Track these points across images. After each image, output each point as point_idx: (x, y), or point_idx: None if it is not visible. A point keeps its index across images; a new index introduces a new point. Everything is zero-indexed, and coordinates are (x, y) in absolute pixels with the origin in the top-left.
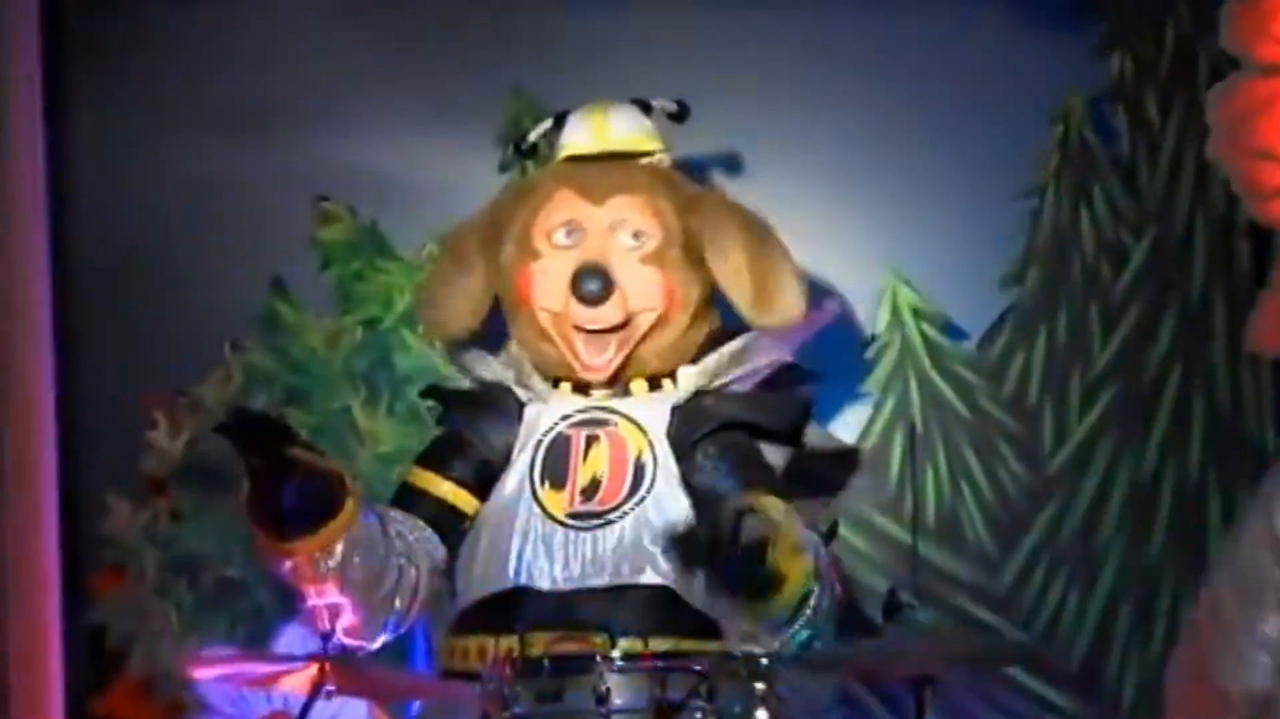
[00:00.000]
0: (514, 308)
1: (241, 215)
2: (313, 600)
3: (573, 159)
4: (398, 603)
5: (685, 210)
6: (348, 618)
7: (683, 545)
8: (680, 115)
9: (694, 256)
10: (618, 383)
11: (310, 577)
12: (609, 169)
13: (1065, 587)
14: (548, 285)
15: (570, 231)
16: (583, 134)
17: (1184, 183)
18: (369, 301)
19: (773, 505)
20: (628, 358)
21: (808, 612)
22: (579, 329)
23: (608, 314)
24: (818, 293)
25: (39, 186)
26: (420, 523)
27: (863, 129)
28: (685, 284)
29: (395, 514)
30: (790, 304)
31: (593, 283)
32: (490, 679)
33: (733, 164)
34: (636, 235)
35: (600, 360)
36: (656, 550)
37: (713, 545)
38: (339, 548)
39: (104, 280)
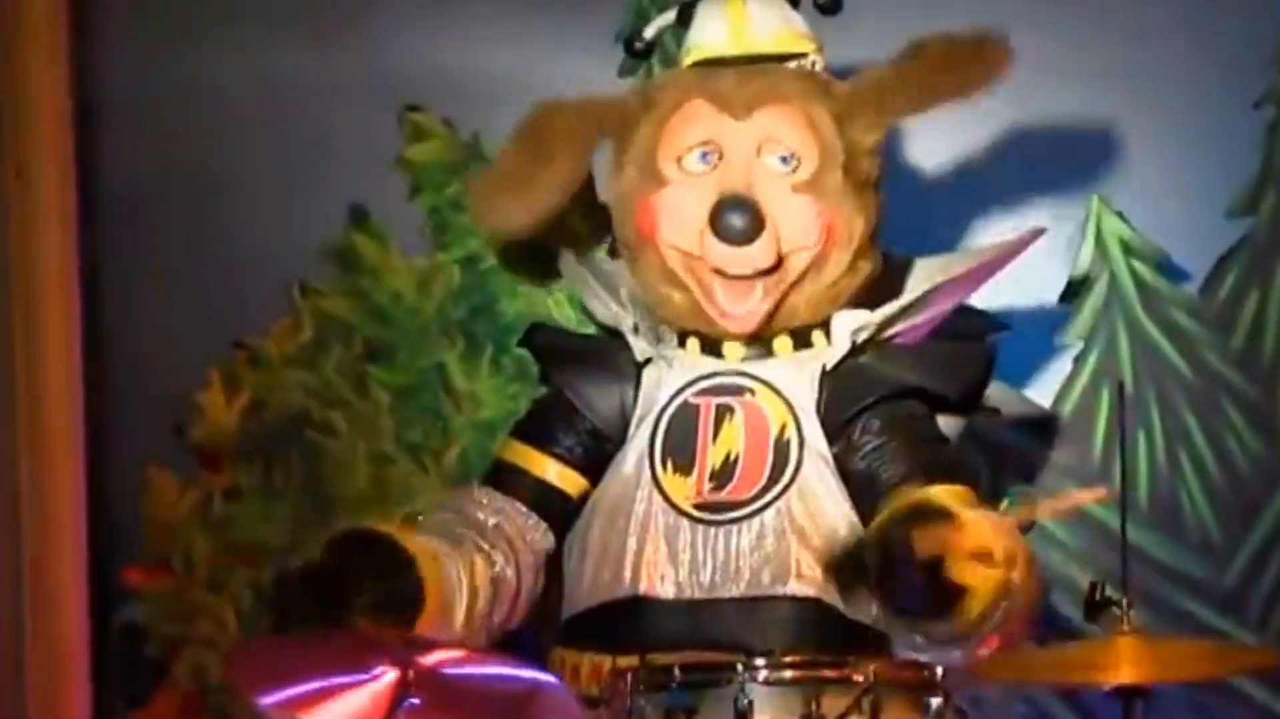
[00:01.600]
0: (634, 244)
1: (313, 130)
2: None
3: (704, 63)
4: (495, 617)
5: (847, 119)
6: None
7: (845, 569)
8: (831, 6)
9: (858, 180)
10: (760, 339)
11: None
12: (752, 75)
13: None
14: (678, 219)
15: (706, 153)
16: (717, 31)
17: None
18: (469, 235)
19: (950, 498)
20: (776, 307)
21: (995, 619)
22: (719, 273)
23: (756, 256)
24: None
25: (62, 97)
26: (522, 508)
27: (1060, 24)
28: (848, 216)
29: (493, 499)
30: (988, 61)
31: (737, 218)
32: (611, 696)
33: None
34: (789, 158)
35: (743, 309)
36: (804, 553)
37: (883, 568)
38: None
39: (142, 210)
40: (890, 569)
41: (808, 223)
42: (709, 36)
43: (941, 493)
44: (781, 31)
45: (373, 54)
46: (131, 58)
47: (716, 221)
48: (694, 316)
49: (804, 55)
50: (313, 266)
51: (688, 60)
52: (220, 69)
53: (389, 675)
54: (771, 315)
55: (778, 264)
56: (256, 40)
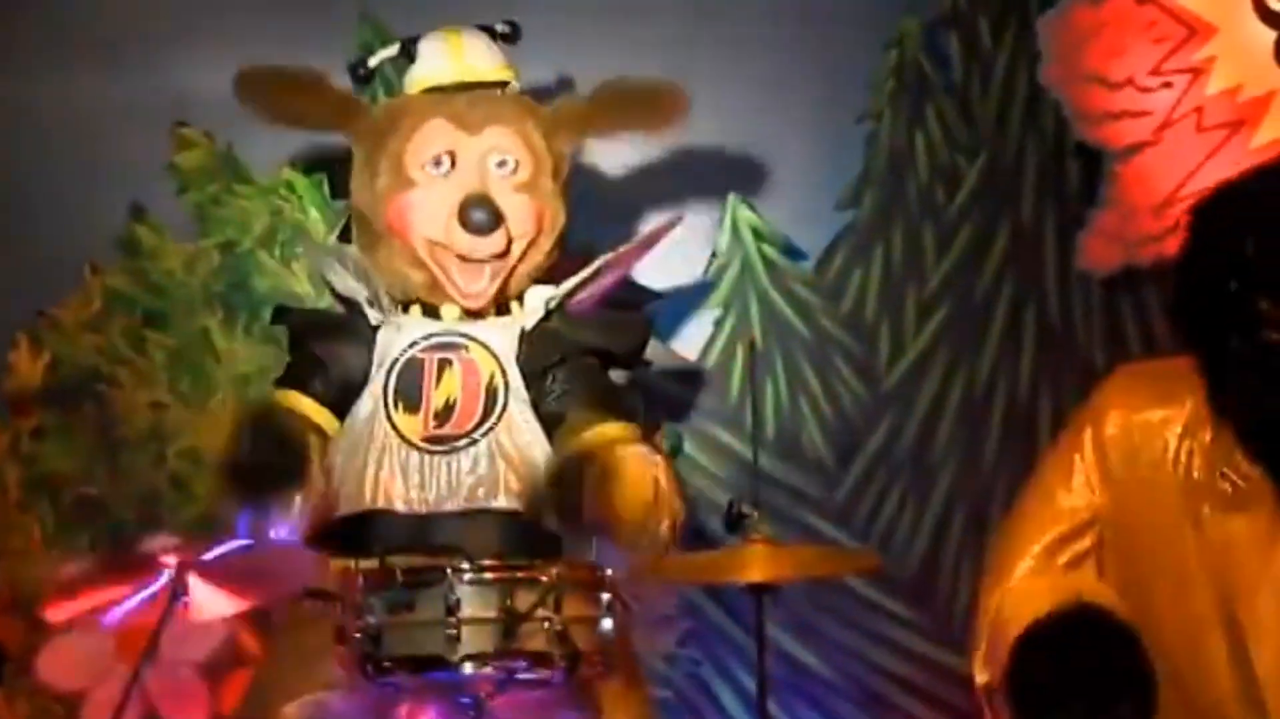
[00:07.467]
0: (381, 235)
1: (101, 142)
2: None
3: (433, 89)
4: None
5: (551, 135)
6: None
7: (536, 500)
8: (512, 36)
9: (561, 183)
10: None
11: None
12: (479, 99)
13: (901, 498)
14: (428, 215)
15: (444, 161)
16: (441, 64)
17: (1016, 107)
18: (226, 225)
19: (618, 432)
20: (504, 284)
21: (650, 529)
22: (460, 258)
23: (493, 243)
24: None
25: None
26: None
27: (700, 55)
28: (555, 210)
29: None
30: (665, 108)
31: (481, 213)
32: (344, 594)
33: (567, 89)
34: (511, 164)
35: (477, 287)
36: (510, 474)
37: (560, 498)
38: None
39: None
40: (565, 500)
41: (526, 215)
42: (436, 69)
43: (611, 428)
44: (494, 64)
45: (146, 81)
46: None
47: (465, 216)
48: (428, 292)
49: (507, 83)
50: (102, 251)
51: (418, 87)
52: (30, 91)
53: (163, 579)
54: (501, 291)
55: (507, 249)
56: (59, 68)
